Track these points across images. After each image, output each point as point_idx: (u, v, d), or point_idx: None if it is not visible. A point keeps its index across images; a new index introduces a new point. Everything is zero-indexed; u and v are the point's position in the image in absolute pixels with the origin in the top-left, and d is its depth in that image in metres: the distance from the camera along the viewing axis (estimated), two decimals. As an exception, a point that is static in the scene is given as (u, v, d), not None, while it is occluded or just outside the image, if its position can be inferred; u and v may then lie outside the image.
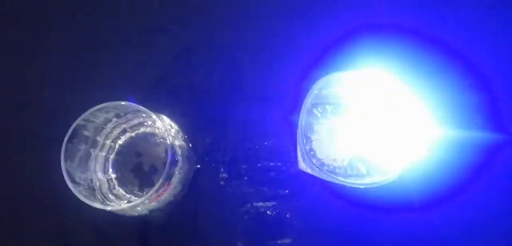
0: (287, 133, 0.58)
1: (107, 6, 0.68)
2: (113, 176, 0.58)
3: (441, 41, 0.64)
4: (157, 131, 0.59)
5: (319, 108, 0.59)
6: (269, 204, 0.58)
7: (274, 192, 0.58)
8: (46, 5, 0.68)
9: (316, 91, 0.51)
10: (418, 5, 0.65)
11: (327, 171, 0.57)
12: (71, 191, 0.46)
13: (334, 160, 0.57)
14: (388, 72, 0.49)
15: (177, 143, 0.53)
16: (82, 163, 0.52)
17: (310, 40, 0.65)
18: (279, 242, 0.57)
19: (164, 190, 0.50)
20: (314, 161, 0.57)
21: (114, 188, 0.57)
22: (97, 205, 0.46)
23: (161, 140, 0.59)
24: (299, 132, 0.51)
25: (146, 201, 0.48)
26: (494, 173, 0.58)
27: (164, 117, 0.54)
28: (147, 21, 0.66)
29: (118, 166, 0.59)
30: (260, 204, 0.58)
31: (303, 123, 0.51)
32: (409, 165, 0.46)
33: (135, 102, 0.49)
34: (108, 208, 0.47)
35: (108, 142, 0.57)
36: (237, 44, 0.65)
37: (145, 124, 0.59)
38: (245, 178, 0.59)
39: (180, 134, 0.56)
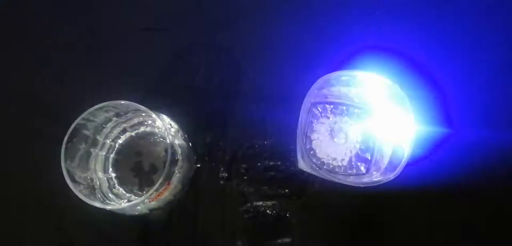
0: (287, 132, 0.58)
1: (107, 6, 0.68)
2: (113, 175, 0.58)
3: (440, 42, 0.64)
4: (157, 130, 0.59)
5: (319, 108, 0.59)
6: (269, 203, 0.58)
7: (274, 191, 0.58)
8: (45, 5, 0.68)
9: (316, 91, 0.51)
10: (416, 7, 0.65)
11: (327, 170, 0.57)
12: (71, 190, 0.46)
13: (334, 159, 0.58)
14: (386, 72, 0.49)
15: (177, 142, 0.53)
16: (82, 162, 0.52)
17: (309, 40, 0.65)
18: (279, 241, 0.57)
19: (164, 189, 0.50)
20: (314, 160, 0.57)
21: (114, 187, 0.57)
22: (97, 204, 0.46)
23: (161, 139, 0.59)
24: (299, 131, 0.51)
25: (146, 200, 0.48)
26: (491, 171, 0.59)
27: (164, 116, 0.54)
28: (147, 21, 0.67)
29: (118, 165, 0.59)
30: (260, 203, 0.58)
31: (303, 122, 0.51)
32: (408, 164, 0.46)
33: (135, 102, 0.49)
34: (108, 207, 0.48)
35: (108, 141, 0.57)
36: (237, 44, 0.65)
37: (145, 123, 0.59)
38: (245, 177, 0.59)
39: (180, 133, 0.56)
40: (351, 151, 0.57)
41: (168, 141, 0.49)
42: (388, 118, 0.55)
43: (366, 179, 0.54)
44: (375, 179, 0.49)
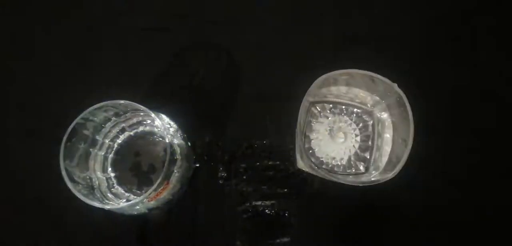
0: (286, 131, 0.58)
1: (107, 5, 0.68)
2: (112, 174, 0.58)
3: (439, 41, 0.64)
4: (156, 129, 0.59)
5: (318, 107, 0.59)
6: (268, 202, 0.58)
7: (273, 191, 0.58)
8: (45, 5, 0.68)
9: (315, 90, 0.51)
10: (414, 10, 0.66)
11: (326, 169, 0.57)
12: (70, 189, 0.46)
13: (333, 158, 0.58)
14: (385, 72, 0.49)
15: (176, 141, 0.53)
16: (81, 162, 0.52)
17: (308, 39, 0.65)
18: (278, 241, 0.57)
19: (163, 189, 0.50)
20: (313, 159, 0.57)
21: (113, 187, 0.57)
22: (96, 204, 0.46)
23: (160, 138, 0.59)
24: (297, 131, 0.51)
25: (145, 200, 0.48)
26: (486, 172, 0.59)
27: (163, 116, 0.54)
28: (146, 21, 0.67)
29: (117, 164, 0.59)
30: (259, 202, 0.58)
31: (301, 122, 0.51)
32: (406, 164, 0.46)
33: (134, 101, 0.49)
34: (107, 207, 0.48)
35: (107, 141, 0.57)
36: (236, 44, 0.65)
37: (144, 122, 0.59)
38: (244, 177, 0.59)
39: (179, 132, 0.56)
40: (350, 150, 0.57)
41: (167, 141, 0.49)
42: (387, 118, 0.55)
43: (365, 179, 0.54)
44: (374, 179, 0.49)
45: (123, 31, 0.66)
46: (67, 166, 0.48)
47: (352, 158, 0.57)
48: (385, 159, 0.53)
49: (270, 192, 0.58)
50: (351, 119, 0.58)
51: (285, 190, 0.58)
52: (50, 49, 0.66)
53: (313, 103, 0.58)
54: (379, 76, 0.49)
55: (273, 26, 0.66)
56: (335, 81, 0.54)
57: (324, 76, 0.49)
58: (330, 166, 0.57)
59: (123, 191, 0.57)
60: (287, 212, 0.58)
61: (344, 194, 0.56)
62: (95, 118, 0.52)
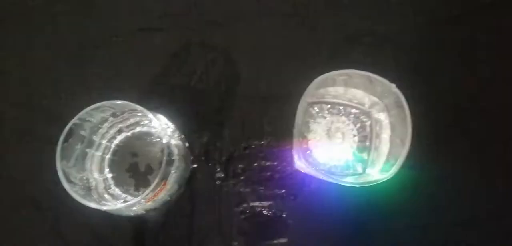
0: (284, 132, 0.58)
1: (104, 6, 0.67)
2: (109, 175, 0.58)
3: (438, 41, 0.65)
4: (153, 130, 0.59)
5: (315, 107, 0.59)
6: (265, 203, 0.58)
7: (271, 192, 0.58)
8: (42, 5, 0.67)
9: (313, 90, 0.51)
10: (412, 10, 0.66)
11: (324, 170, 0.57)
12: (66, 190, 0.46)
13: (331, 159, 0.58)
14: (383, 72, 0.49)
15: (173, 142, 0.53)
16: (78, 163, 0.52)
17: (306, 39, 0.65)
18: (276, 241, 0.57)
19: (160, 190, 0.50)
20: (310, 160, 0.57)
21: (110, 188, 0.57)
22: (93, 205, 0.46)
23: (157, 139, 0.59)
24: (295, 131, 0.51)
25: (142, 201, 0.48)
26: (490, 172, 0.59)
27: (161, 116, 0.54)
28: (144, 21, 0.66)
29: (114, 165, 0.58)
30: (257, 203, 0.58)
31: (299, 122, 0.51)
32: (404, 164, 0.46)
33: (131, 102, 0.49)
34: (104, 208, 0.47)
35: (104, 141, 0.57)
36: (233, 44, 0.65)
37: (141, 123, 0.59)
38: (242, 178, 0.59)
39: (176, 133, 0.56)
40: (347, 151, 0.57)
41: (164, 141, 0.49)
42: (384, 118, 0.55)
43: (362, 179, 0.54)
44: (372, 179, 0.49)
45: (120, 31, 0.66)
46: (64, 166, 0.47)
47: (350, 159, 0.57)
48: (382, 160, 0.53)
49: (267, 193, 0.58)
50: (349, 120, 0.58)
51: (283, 190, 0.58)
52: (47, 49, 0.66)
53: (311, 104, 0.58)
54: (377, 77, 0.49)
55: (271, 26, 0.66)
56: (333, 81, 0.54)
57: (322, 76, 0.49)
58: (327, 166, 0.57)
59: (120, 192, 0.57)
60: (284, 213, 0.58)
61: (341, 194, 0.56)
62: (92, 119, 0.52)
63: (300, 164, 0.53)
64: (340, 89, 0.56)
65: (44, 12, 0.67)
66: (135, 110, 0.52)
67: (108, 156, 0.58)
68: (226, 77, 0.64)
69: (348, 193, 0.54)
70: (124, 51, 0.65)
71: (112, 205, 0.52)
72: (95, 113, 0.51)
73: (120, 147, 0.59)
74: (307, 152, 0.58)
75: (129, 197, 0.57)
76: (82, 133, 0.52)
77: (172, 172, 0.51)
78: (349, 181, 0.50)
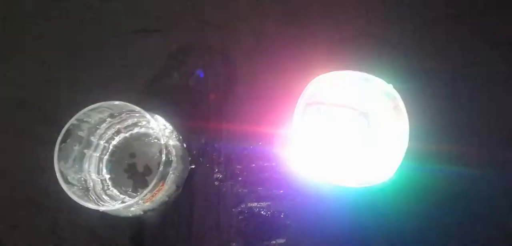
0: (281, 133, 0.58)
1: (102, 7, 0.67)
2: (107, 176, 0.58)
3: (437, 41, 0.65)
4: (151, 131, 0.59)
5: (313, 109, 0.59)
6: (263, 204, 0.58)
7: (269, 192, 0.58)
8: (41, 6, 0.67)
9: (310, 92, 0.51)
10: (410, 11, 0.66)
11: (321, 170, 0.57)
12: (64, 191, 0.46)
13: (329, 159, 0.58)
14: (381, 74, 0.50)
15: (171, 143, 0.53)
16: (76, 164, 0.52)
17: (304, 41, 0.65)
18: (274, 242, 0.57)
19: (158, 190, 0.50)
20: (307, 160, 0.57)
21: (108, 189, 0.57)
22: (91, 206, 0.46)
23: (155, 140, 0.59)
24: (293, 132, 0.51)
25: (140, 201, 0.48)
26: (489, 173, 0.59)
27: (159, 117, 0.54)
28: (142, 22, 0.66)
29: (112, 166, 0.58)
30: (255, 204, 0.58)
31: (297, 123, 0.51)
32: (401, 166, 0.46)
33: (129, 102, 0.49)
34: (102, 209, 0.47)
35: (102, 142, 0.57)
36: (231, 45, 0.65)
37: (139, 124, 0.59)
38: (240, 178, 0.59)
39: (175, 134, 0.56)
40: (345, 152, 0.58)
41: (162, 142, 0.49)
42: (382, 119, 0.55)
43: (361, 179, 0.54)
44: (370, 179, 0.49)
45: (118, 32, 0.66)
46: (62, 167, 0.47)
47: (348, 159, 0.57)
48: (381, 160, 0.53)
49: (265, 193, 0.58)
50: (347, 121, 0.58)
51: (281, 191, 0.58)
52: (44, 49, 0.65)
53: (308, 105, 0.58)
54: (374, 77, 0.49)
55: (269, 27, 0.66)
56: (330, 82, 0.54)
57: (319, 77, 0.49)
58: (325, 167, 0.57)
59: (118, 193, 0.57)
60: (282, 213, 0.58)
61: (339, 195, 0.56)
62: (90, 120, 0.52)
63: (298, 164, 0.53)
64: (337, 90, 0.56)
65: (43, 12, 0.67)
66: (133, 111, 0.52)
67: (106, 157, 0.58)
68: (224, 78, 0.64)
69: (345, 193, 0.55)
70: (122, 52, 0.65)
71: (110, 206, 0.52)
72: (93, 114, 0.51)
73: (118, 147, 0.59)
74: (305, 153, 0.58)
75: (127, 198, 0.57)
76: (80, 133, 0.52)
77: (170, 172, 0.51)
78: (346, 181, 0.50)
